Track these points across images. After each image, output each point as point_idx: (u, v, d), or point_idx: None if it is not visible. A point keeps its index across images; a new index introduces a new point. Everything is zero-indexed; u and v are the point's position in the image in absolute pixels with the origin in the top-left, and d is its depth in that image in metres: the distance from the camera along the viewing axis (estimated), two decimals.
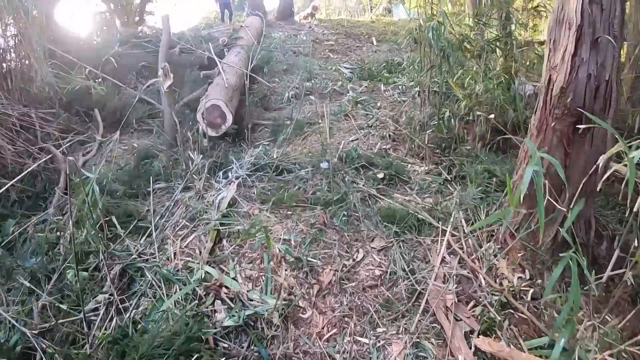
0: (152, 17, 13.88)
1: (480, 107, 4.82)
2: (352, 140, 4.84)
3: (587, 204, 2.98)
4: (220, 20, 12.84)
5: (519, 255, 3.07)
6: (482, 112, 4.86)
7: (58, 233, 3.75)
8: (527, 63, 5.56)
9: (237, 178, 3.96)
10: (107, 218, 3.57)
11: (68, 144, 5.40)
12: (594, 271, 2.36)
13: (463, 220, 3.47)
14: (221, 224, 3.38)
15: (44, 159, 4.71)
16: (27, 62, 6.11)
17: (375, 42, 10.45)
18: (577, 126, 2.60)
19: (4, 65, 6.01)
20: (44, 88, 6.01)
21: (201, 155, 4.27)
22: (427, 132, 4.43)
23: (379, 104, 6.37)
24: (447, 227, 3.42)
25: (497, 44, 5.33)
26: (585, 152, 2.71)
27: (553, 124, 2.71)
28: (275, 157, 4.11)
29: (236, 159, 4.24)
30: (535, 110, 2.95)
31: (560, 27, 2.67)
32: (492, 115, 4.54)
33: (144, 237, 3.53)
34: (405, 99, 6.59)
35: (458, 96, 4.38)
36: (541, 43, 9.00)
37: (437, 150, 4.53)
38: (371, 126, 5.33)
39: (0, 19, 7.22)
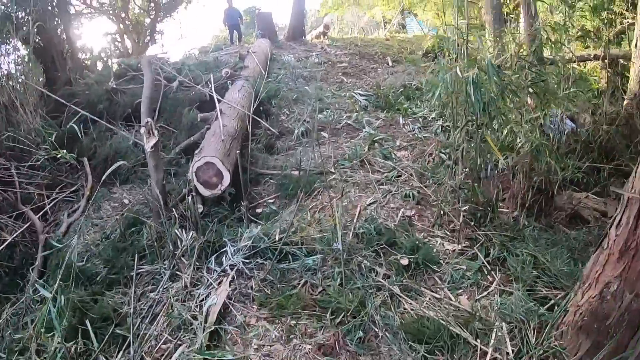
0: (162, 35, 13.34)
1: (520, 161, 4.02)
2: (370, 204, 4.06)
3: None
4: (229, 41, 12.24)
5: None
6: (522, 168, 4.07)
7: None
8: (564, 89, 4.70)
9: (232, 267, 3.23)
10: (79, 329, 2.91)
11: (52, 203, 4.76)
12: None
13: (507, 338, 2.68)
14: (207, 348, 2.65)
15: (20, 231, 4.09)
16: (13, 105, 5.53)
17: (390, 63, 9.65)
18: None
19: None
20: (30, 134, 5.40)
21: (192, 232, 3.56)
22: (461, 206, 3.60)
23: (398, 143, 5.59)
24: (486, 344, 2.64)
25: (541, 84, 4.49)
26: None
27: None
28: (277, 239, 3.36)
29: (232, 239, 3.50)
30: (618, 223, 2.15)
31: None
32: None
33: (121, 353, 2.84)
34: (427, 136, 5.82)
35: (497, 157, 3.56)
36: (571, 61, 8.04)
37: (472, 222, 3.73)
38: (391, 180, 4.55)
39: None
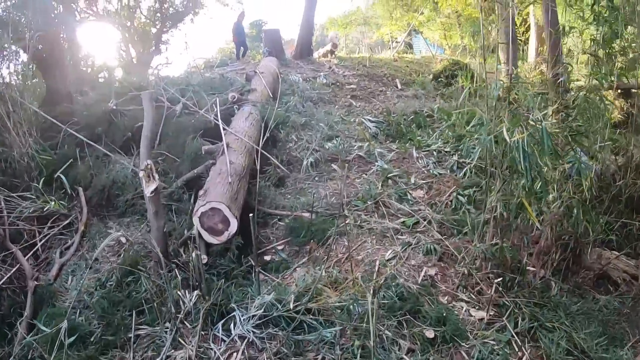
0: (167, 46, 12.98)
1: (552, 218, 3.69)
2: (389, 260, 3.72)
3: None
4: (236, 57, 11.98)
5: None
6: (551, 223, 3.74)
7: None
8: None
9: (241, 338, 2.88)
10: None
11: (44, 240, 4.39)
12: None
13: None
14: None
15: (7, 276, 3.71)
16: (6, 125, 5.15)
17: (399, 86, 9.34)
18: None
19: None
20: (23, 158, 5.03)
21: (195, 292, 3.20)
22: (491, 270, 3.28)
23: (413, 180, 5.24)
24: None
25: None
26: None
27: None
28: (292, 307, 3.00)
29: (241, 303, 3.14)
30: None
31: None
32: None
33: None
34: (442, 172, 5.50)
35: (531, 219, 3.21)
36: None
37: (499, 286, 3.39)
38: (409, 228, 4.22)
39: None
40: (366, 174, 5.46)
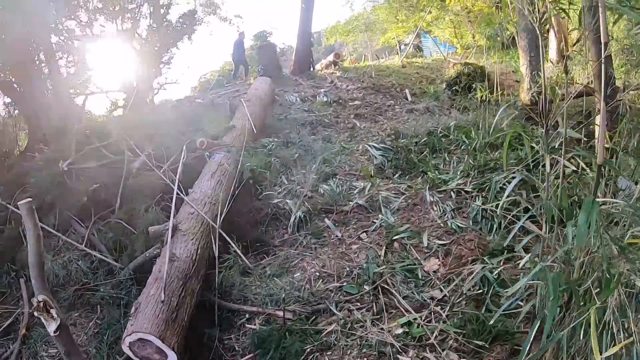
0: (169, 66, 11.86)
1: None
2: None
3: None
4: (233, 76, 10.85)
5: None
6: None
7: None
8: None
9: None
10: None
11: None
12: None
13: None
14: None
15: None
16: None
17: (409, 97, 7.90)
18: None
19: None
20: None
21: None
22: None
23: (425, 242, 3.93)
24: None
25: None
26: None
27: None
28: None
29: None
30: None
31: None
32: None
33: None
34: (462, 225, 4.14)
35: None
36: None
37: None
38: (416, 340, 2.91)
39: None
40: (366, 233, 4.21)
